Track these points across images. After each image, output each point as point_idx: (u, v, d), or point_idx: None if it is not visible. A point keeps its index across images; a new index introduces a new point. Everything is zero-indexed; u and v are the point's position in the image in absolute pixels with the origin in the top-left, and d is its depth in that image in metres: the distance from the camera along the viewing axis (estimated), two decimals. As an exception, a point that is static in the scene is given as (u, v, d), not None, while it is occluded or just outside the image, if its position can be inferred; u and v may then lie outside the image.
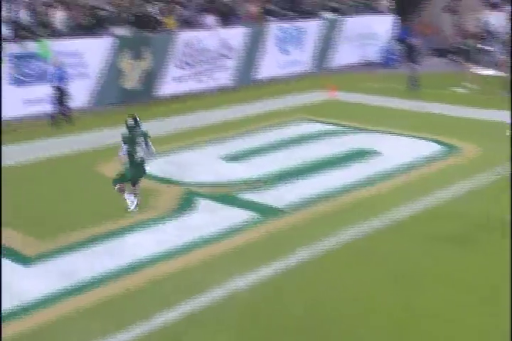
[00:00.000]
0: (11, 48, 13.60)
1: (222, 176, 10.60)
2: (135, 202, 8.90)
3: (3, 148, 11.87)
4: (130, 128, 8.75)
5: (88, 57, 15.01)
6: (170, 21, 16.71)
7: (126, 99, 15.77)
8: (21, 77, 13.99)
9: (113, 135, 12.66)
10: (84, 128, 13.59)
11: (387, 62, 21.87)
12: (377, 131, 13.38)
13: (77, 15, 15.16)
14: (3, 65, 13.42)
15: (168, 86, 16.66)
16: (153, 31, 16.29)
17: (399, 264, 7.59)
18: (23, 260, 7.62)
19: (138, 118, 8.80)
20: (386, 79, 19.16)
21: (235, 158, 11.62)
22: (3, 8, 13.92)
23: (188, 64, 17.05)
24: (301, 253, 7.82)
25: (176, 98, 16.53)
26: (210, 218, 8.89)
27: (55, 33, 14.58)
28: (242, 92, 17.47)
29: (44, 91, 13.84)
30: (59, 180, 10.44)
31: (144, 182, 10.26)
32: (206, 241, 8.16)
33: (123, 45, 15.56)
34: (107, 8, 15.74)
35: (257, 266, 7.45)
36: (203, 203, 9.42)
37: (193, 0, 17.71)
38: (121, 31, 15.60)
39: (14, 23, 13.90)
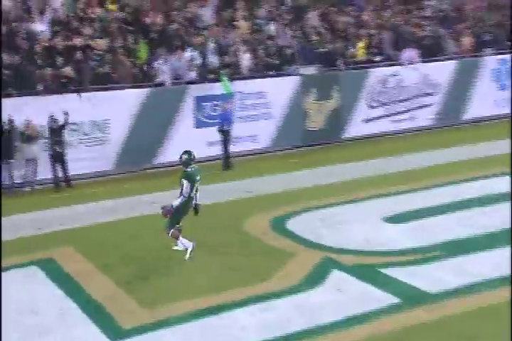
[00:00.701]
0: (195, 91, 13.59)
1: (374, 242, 8.89)
2: (190, 248, 8.38)
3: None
4: (185, 165, 8.32)
5: (272, 97, 14.39)
6: (360, 52, 15.38)
7: (310, 140, 14.80)
8: (205, 120, 13.90)
9: (275, 182, 11.74)
10: (249, 173, 12.63)
11: None
12: None
13: (262, 55, 14.67)
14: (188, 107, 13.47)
15: (357, 127, 15.25)
16: (342, 69, 15.09)
17: None
18: (115, 332, 6.77)
19: (192, 154, 8.36)
20: None
21: (399, 219, 9.78)
22: (193, 53, 13.91)
23: (381, 103, 15.48)
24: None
25: (364, 140, 15.06)
26: (336, 298, 7.32)
27: (240, 74, 14.27)
28: (443, 135, 15.31)
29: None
30: (196, 234, 8.95)
31: (283, 242, 9.10)
32: (317, 332, 6.61)
33: (309, 84, 14.65)
34: (294, 45, 14.99)
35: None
36: (336, 276, 7.88)
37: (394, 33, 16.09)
38: (309, 70, 14.72)
39: (202, 67, 13.88)
